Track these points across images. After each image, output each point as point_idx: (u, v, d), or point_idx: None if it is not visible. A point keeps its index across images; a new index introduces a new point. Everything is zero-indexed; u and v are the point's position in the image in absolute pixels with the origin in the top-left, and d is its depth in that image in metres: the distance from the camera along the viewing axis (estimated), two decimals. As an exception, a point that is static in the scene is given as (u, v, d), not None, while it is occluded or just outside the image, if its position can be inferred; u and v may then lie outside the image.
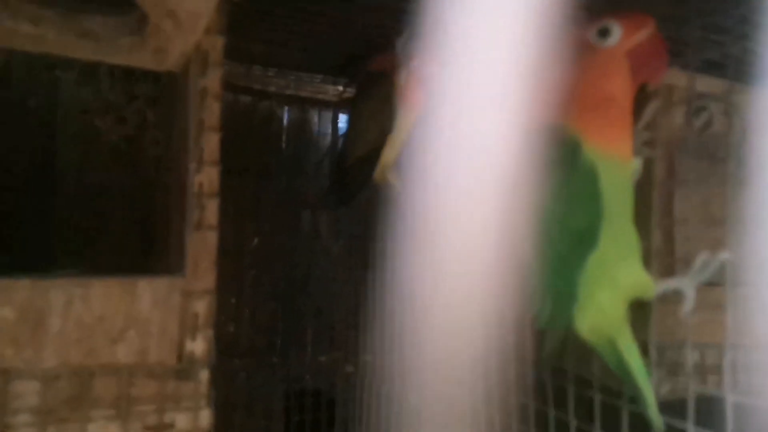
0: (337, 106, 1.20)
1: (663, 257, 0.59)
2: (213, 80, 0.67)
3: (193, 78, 0.66)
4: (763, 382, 0.49)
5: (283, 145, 1.24)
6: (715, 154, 0.71)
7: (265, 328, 1.21)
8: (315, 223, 1.29)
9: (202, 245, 0.69)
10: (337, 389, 1.22)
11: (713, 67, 0.64)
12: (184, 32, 0.58)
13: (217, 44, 0.67)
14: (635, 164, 0.56)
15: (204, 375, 0.70)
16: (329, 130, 1.23)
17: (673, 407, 0.54)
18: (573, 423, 0.63)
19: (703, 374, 0.67)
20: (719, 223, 0.57)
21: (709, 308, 0.54)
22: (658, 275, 0.55)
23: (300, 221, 1.28)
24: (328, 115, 1.23)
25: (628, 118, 0.53)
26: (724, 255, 0.50)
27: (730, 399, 0.48)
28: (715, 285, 0.52)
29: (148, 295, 0.67)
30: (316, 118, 1.23)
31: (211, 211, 0.69)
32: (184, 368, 0.69)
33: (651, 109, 0.56)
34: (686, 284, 0.51)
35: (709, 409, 0.51)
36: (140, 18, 0.60)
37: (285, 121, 1.23)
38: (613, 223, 0.50)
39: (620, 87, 0.52)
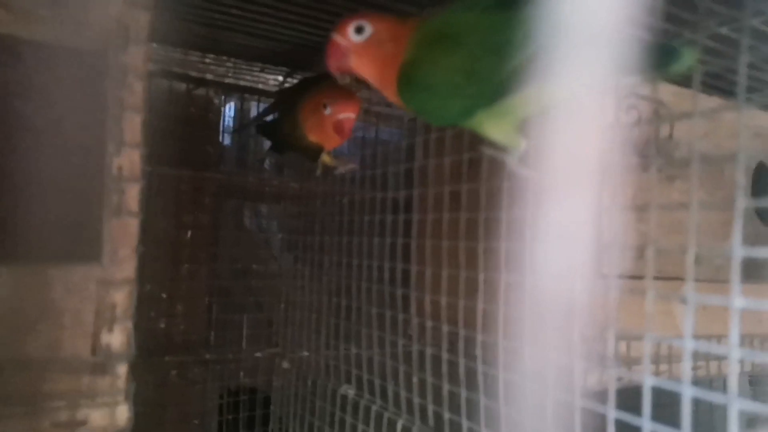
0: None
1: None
2: (135, 57, 0.64)
3: (113, 54, 0.63)
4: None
5: (222, 135, 1.20)
6: (643, 151, 0.72)
7: (200, 324, 1.17)
8: (256, 216, 1.26)
9: (122, 232, 0.65)
10: (274, 386, 1.19)
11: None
12: (100, 1, 0.55)
13: (140, 18, 0.63)
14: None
15: (122, 369, 0.67)
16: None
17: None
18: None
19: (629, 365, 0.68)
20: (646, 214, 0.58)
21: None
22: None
23: (240, 214, 1.25)
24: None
25: None
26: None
27: (647, 383, 0.49)
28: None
29: (61, 284, 0.64)
30: (255, 109, 1.20)
31: (132, 196, 0.65)
32: (99, 362, 0.65)
33: None
34: None
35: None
36: (54, -14, 0.56)
37: (224, 111, 1.20)
38: None
39: None
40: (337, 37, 0.62)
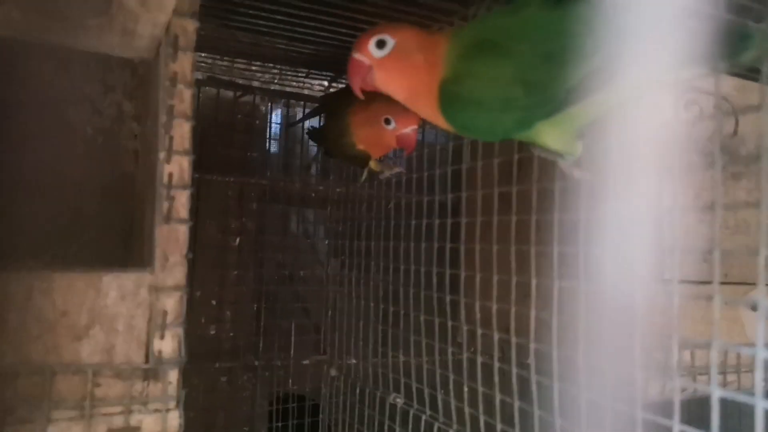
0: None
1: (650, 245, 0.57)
2: (184, 65, 0.64)
3: (163, 63, 0.64)
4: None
5: (268, 141, 1.21)
6: (705, 148, 0.69)
7: (248, 330, 1.17)
8: (302, 222, 1.27)
9: (172, 239, 0.66)
10: (322, 393, 1.19)
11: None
12: (150, 11, 0.56)
13: (188, 27, 0.64)
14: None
15: (173, 375, 0.67)
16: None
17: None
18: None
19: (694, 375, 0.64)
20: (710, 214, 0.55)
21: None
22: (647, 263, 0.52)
23: (287, 219, 1.25)
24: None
25: None
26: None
27: (716, 394, 0.45)
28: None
29: (114, 290, 0.65)
30: (301, 114, 1.21)
31: (181, 202, 0.66)
32: (152, 368, 0.66)
33: None
34: None
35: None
36: (105, -3, 0.57)
37: (270, 117, 1.21)
38: None
39: None
40: (357, 55, 0.59)
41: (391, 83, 0.59)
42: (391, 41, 0.57)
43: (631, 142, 0.56)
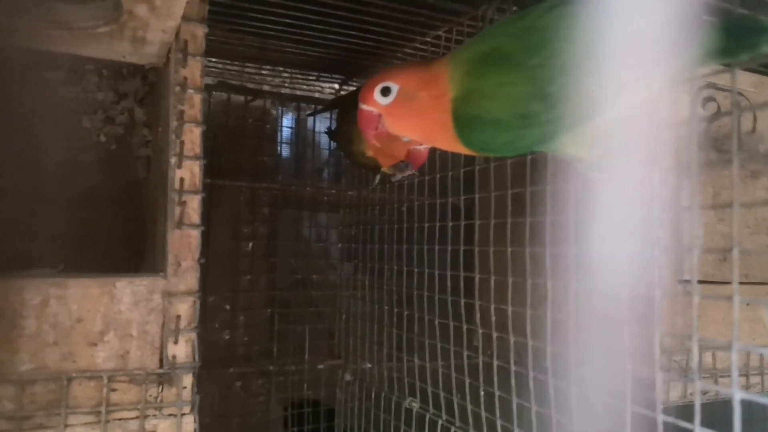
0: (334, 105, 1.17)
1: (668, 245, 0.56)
2: (194, 70, 0.64)
3: (173, 68, 0.64)
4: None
5: (279, 145, 1.21)
6: (723, 146, 0.68)
7: (262, 336, 1.17)
8: (314, 226, 1.26)
9: (184, 244, 0.66)
10: (337, 398, 1.18)
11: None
12: (159, 18, 0.56)
13: (197, 33, 0.64)
14: None
15: (188, 380, 0.67)
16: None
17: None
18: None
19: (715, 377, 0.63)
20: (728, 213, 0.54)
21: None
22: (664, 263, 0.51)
23: (299, 224, 1.25)
24: (324, 114, 1.20)
25: None
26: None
27: (737, 396, 0.44)
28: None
29: (128, 296, 0.65)
30: (312, 118, 1.20)
31: (193, 207, 0.66)
32: (166, 372, 0.66)
33: None
34: None
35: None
36: (115, 4, 0.57)
37: (281, 121, 1.21)
38: None
39: None
40: (365, 106, 0.59)
41: (402, 126, 0.60)
42: (394, 87, 0.57)
43: (647, 141, 0.55)
